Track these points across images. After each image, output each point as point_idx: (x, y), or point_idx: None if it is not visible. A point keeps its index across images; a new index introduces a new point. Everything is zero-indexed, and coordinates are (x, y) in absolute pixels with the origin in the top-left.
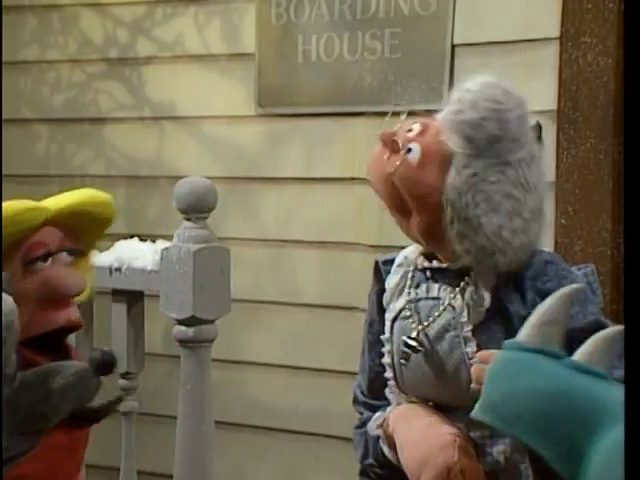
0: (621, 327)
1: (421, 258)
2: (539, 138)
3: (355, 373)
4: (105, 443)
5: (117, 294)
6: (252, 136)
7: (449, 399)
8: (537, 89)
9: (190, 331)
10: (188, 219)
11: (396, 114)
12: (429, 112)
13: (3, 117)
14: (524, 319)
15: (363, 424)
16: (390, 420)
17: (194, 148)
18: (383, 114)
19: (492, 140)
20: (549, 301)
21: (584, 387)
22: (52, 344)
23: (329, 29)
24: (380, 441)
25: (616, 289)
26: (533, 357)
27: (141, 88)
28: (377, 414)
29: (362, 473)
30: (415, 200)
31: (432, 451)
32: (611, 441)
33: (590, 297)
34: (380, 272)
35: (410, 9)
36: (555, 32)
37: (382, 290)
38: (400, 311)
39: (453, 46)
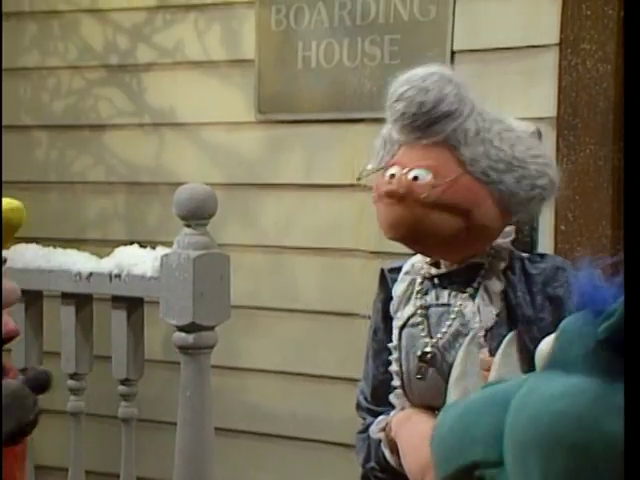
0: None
1: (427, 266)
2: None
3: (355, 379)
4: (105, 449)
5: (117, 301)
6: (252, 142)
7: None
8: (537, 96)
9: (190, 338)
10: (188, 225)
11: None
12: None
13: (3, 123)
14: (532, 322)
15: (366, 429)
16: (393, 424)
17: (194, 154)
18: (383, 120)
19: (450, 114)
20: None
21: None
22: None
23: (329, 35)
24: (382, 445)
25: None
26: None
27: (141, 94)
28: (380, 417)
29: (364, 477)
30: (463, 205)
31: None
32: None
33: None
34: (386, 280)
35: (410, 15)
36: (555, 39)
37: (387, 298)
38: (408, 319)
39: (453, 52)
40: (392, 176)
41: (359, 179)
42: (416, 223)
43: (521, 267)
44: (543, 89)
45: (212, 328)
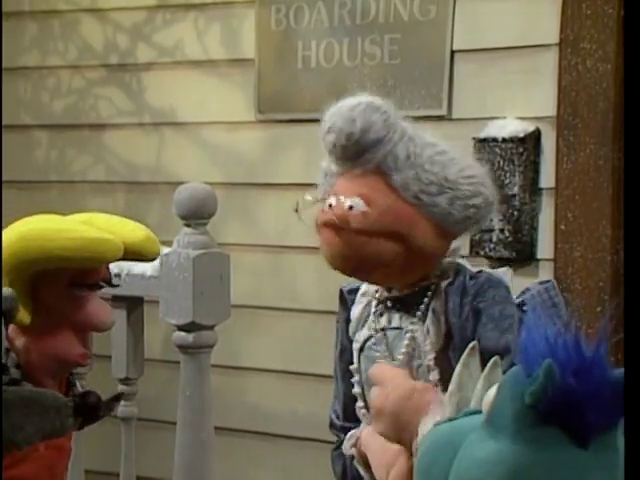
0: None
1: (381, 289)
2: (537, 144)
3: None
4: (104, 449)
5: (117, 300)
6: (252, 142)
7: None
8: (537, 95)
9: (190, 337)
10: (188, 225)
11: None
12: (427, 118)
13: (3, 123)
14: (456, 330)
15: (340, 445)
16: (362, 438)
17: (194, 154)
18: None
19: (378, 142)
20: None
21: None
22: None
23: (329, 35)
24: (355, 461)
25: (616, 295)
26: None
27: (141, 94)
28: (350, 433)
29: None
30: (398, 230)
31: (400, 451)
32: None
33: (512, 329)
34: (346, 301)
35: (409, 15)
36: (554, 38)
37: (348, 319)
38: (365, 341)
39: (452, 52)
40: (330, 206)
41: (296, 210)
42: (353, 253)
43: (462, 281)
44: (543, 89)
45: (212, 327)
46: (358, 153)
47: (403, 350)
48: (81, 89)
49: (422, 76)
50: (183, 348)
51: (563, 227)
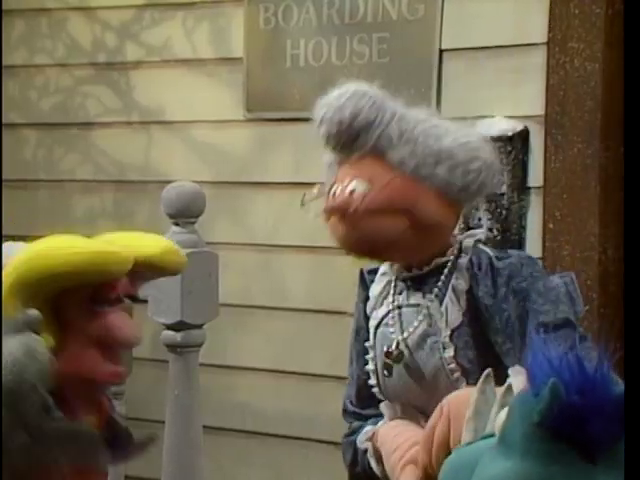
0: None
1: (400, 267)
2: (526, 143)
3: (344, 378)
4: None
5: None
6: (240, 141)
7: (430, 404)
8: (525, 94)
9: (178, 336)
10: (176, 224)
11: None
12: None
13: None
14: (494, 313)
15: (352, 433)
16: (380, 435)
17: (182, 153)
18: None
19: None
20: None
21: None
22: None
23: (317, 34)
24: (368, 454)
25: (604, 293)
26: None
27: (129, 92)
28: (367, 427)
29: (351, 479)
30: (400, 205)
31: (409, 445)
32: None
33: (562, 299)
34: (365, 281)
35: (398, 14)
36: (542, 37)
37: (367, 298)
38: (382, 318)
39: (441, 51)
40: (334, 195)
41: (302, 204)
42: (362, 235)
43: (488, 263)
44: (531, 87)
45: (200, 326)
46: (351, 139)
47: (415, 324)
48: (69, 87)
49: (410, 75)
50: (172, 347)
51: (551, 226)
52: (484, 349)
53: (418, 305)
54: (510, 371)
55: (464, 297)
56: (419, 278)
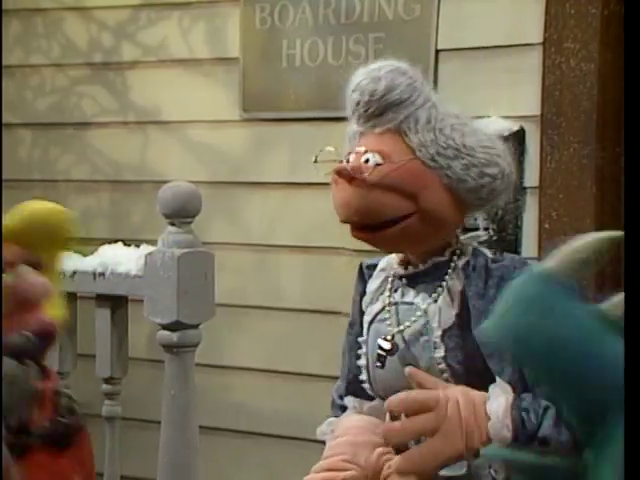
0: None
1: (398, 265)
2: (522, 143)
3: (338, 378)
4: None
5: (101, 299)
6: (236, 141)
7: None
8: (521, 94)
9: (174, 336)
10: (172, 224)
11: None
12: None
13: None
14: (481, 313)
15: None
16: (339, 431)
17: (178, 153)
18: None
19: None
20: (584, 239)
21: (617, 354)
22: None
23: (313, 34)
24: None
25: (600, 293)
26: (566, 296)
27: (125, 92)
28: (330, 419)
29: None
30: (409, 188)
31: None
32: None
33: None
34: (363, 275)
35: (394, 14)
36: (538, 38)
37: (364, 293)
38: (377, 314)
39: (437, 51)
40: (348, 162)
41: (315, 161)
42: (363, 203)
43: (483, 265)
44: (528, 88)
45: (196, 326)
46: (379, 111)
47: (412, 319)
48: (65, 87)
49: None
50: (167, 347)
51: (547, 226)
52: (473, 351)
53: (412, 304)
54: (491, 388)
55: (458, 298)
56: (415, 276)
